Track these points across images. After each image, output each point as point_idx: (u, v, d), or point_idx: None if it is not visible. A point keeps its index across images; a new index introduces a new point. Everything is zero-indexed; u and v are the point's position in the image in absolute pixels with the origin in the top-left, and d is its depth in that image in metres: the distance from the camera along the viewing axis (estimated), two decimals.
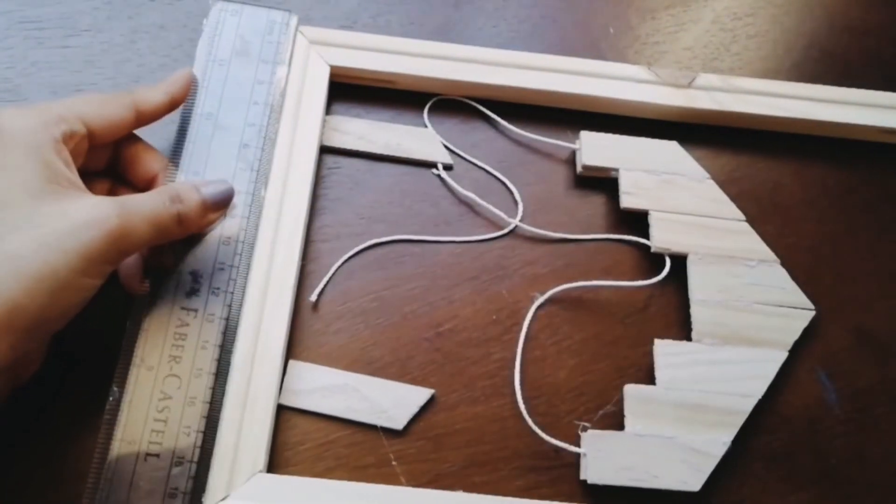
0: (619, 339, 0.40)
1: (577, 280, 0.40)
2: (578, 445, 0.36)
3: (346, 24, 0.46)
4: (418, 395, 0.37)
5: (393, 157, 0.42)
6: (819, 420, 0.39)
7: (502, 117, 0.44)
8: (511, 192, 0.43)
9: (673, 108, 0.44)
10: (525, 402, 0.36)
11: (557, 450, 0.36)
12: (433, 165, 0.43)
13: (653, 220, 0.41)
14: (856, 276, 0.43)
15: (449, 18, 0.47)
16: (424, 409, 0.37)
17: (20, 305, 0.27)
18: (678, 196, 0.42)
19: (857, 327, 0.41)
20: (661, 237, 0.41)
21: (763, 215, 0.43)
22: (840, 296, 0.42)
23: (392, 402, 0.37)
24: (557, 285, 0.40)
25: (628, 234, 0.42)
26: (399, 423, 0.36)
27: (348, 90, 0.43)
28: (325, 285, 0.39)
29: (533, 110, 0.44)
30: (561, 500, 0.35)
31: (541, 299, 0.40)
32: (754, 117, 0.44)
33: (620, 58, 0.47)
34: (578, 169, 0.43)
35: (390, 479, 0.35)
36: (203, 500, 0.32)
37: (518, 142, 0.44)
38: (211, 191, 0.35)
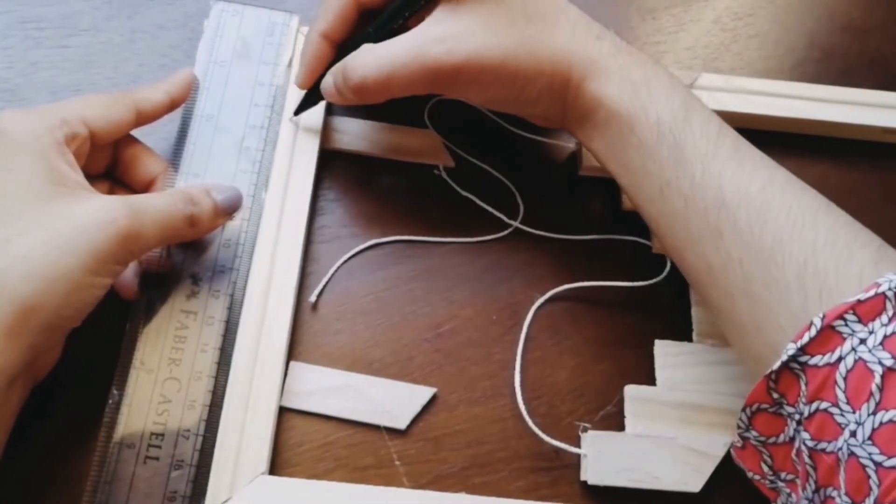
0: (619, 339, 0.40)
1: (577, 280, 0.40)
2: (579, 446, 0.36)
3: None
4: (420, 394, 0.37)
5: (394, 157, 0.42)
6: None
7: (503, 118, 0.44)
8: (511, 192, 0.42)
9: None
10: (525, 403, 0.36)
11: (558, 451, 0.36)
12: (434, 166, 0.42)
13: None
14: None
15: None
16: (425, 409, 0.37)
17: (35, 306, 0.27)
18: None
19: None
20: None
21: None
22: None
23: (394, 401, 0.36)
24: (557, 285, 0.40)
25: (628, 234, 0.42)
26: (402, 423, 0.36)
27: None
28: (325, 286, 0.39)
29: None
30: (561, 502, 0.35)
31: (541, 299, 0.40)
32: (755, 117, 0.44)
33: None
34: (578, 169, 0.43)
35: (390, 479, 0.35)
36: (204, 502, 0.32)
37: (518, 142, 0.44)
38: (223, 195, 0.35)
